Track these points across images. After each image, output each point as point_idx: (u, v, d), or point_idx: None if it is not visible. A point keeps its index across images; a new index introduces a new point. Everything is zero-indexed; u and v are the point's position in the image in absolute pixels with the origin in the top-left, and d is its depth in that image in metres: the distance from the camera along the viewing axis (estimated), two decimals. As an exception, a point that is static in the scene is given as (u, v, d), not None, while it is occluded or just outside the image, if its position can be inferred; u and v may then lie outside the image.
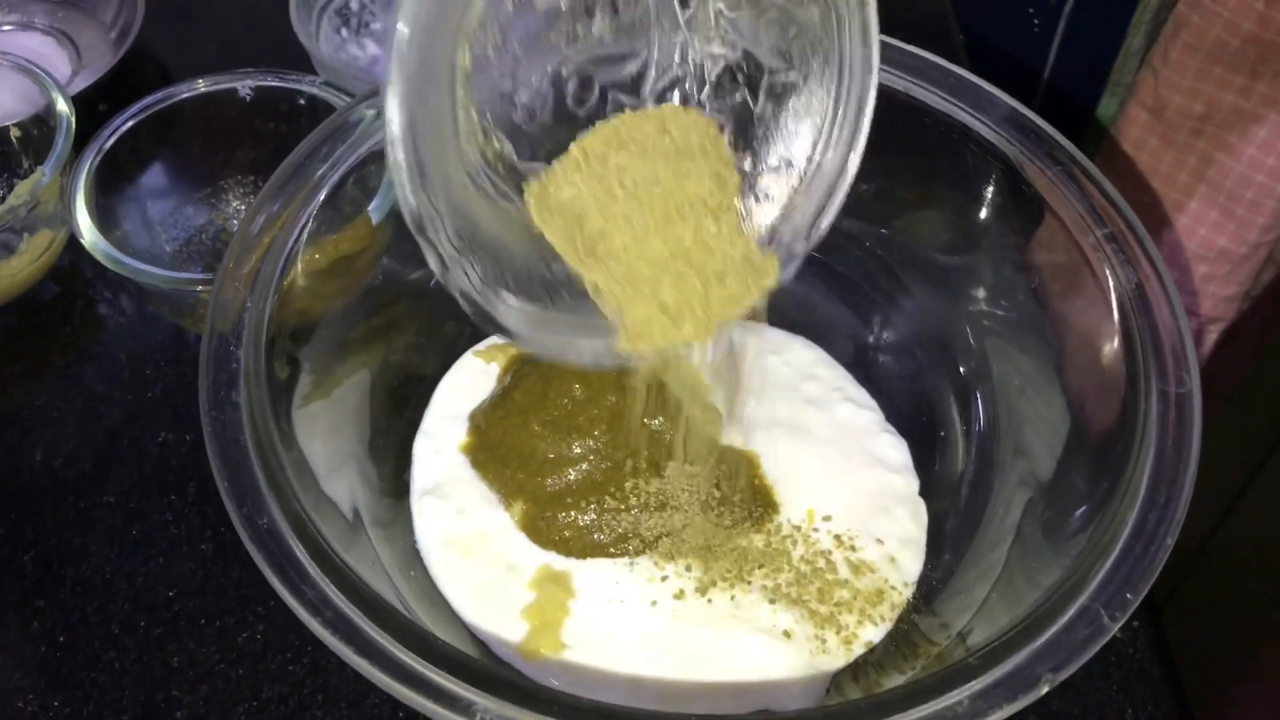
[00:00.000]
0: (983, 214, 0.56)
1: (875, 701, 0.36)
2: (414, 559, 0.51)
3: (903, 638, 0.49)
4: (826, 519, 0.53)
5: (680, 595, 0.50)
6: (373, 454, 0.53)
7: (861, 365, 0.61)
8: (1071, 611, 0.38)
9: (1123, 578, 0.39)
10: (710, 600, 0.49)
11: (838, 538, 0.52)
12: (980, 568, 0.49)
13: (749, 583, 0.50)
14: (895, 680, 0.46)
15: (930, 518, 0.54)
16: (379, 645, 0.37)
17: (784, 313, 0.63)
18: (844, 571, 0.51)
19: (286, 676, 0.52)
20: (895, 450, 0.57)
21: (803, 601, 0.49)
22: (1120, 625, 0.38)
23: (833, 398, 0.59)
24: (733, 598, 0.49)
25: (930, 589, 0.51)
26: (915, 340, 0.59)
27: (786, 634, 0.48)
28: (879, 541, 0.52)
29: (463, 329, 0.60)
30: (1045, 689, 0.36)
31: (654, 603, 0.49)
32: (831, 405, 0.58)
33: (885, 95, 0.54)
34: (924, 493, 0.55)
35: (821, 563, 0.51)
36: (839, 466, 0.55)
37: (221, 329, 0.45)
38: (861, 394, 0.59)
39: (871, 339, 0.61)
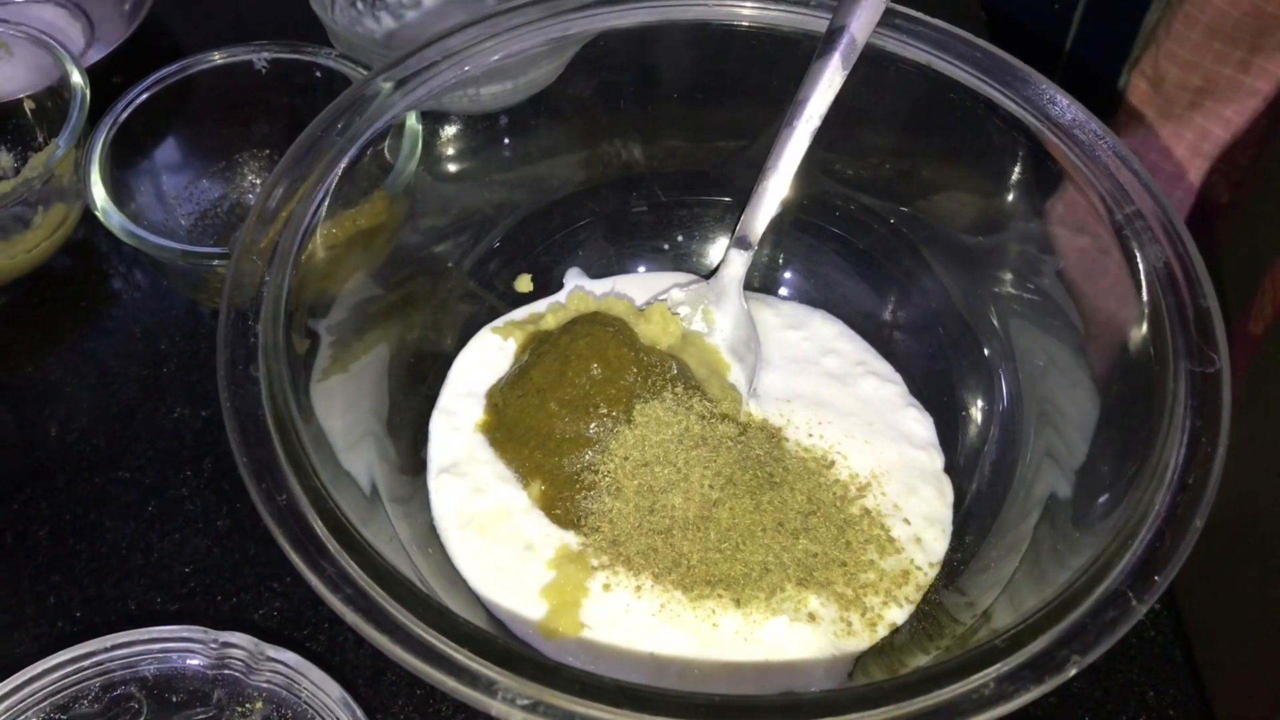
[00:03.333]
0: (1007, 191, 0.55)
1: (900, 684, 0.35)
2: (432, 536, 0.51)
3: (927, 616, 0.49)
4: (853, 498, 0.52)
5: (703, 576, 0.49)
6: (390, 430, 0.52)
7: (882, 342, 0.60)
8: (1099, 593, 0.37)
9: (1151, 560, 0.38)
10: (733, 582, 0.49)
11: (865, 515, 0.52)
12: (1005, 544, 0.48)
13: (774, 564, 0.49)
14: (920, 659, 0.45)
15: (954, 494, 0.54)
16: (399, 622, 0.36)
17: (804, 289, 0.62)
18: (870, 553, 0.50)
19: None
20: (920, 425, 0.56)
21: (828, 584, 0.49)
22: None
23: (855, 371, 0.58)
24: (757, 579, 0.49)
25: (955, 566, 0.51)
26: (937, 318, 0.58)
27: (812, 616, 0.47)
28: (906, 521, 0.52)
29: (479, 305, 0.60)
30: (1072, 671, 0.36)
31: (675, 583, 0.49)
32: (854, 379, 0.58)
33: (909, 68, 0.54)
34: (946, 469, 0.55)
35: (848, 543, 0.50)
36: (864, 441, 0.55)
37: (239, 304, 0.44)
38: (885, 367, 0.59)
39: (892, 317, 0.60)
